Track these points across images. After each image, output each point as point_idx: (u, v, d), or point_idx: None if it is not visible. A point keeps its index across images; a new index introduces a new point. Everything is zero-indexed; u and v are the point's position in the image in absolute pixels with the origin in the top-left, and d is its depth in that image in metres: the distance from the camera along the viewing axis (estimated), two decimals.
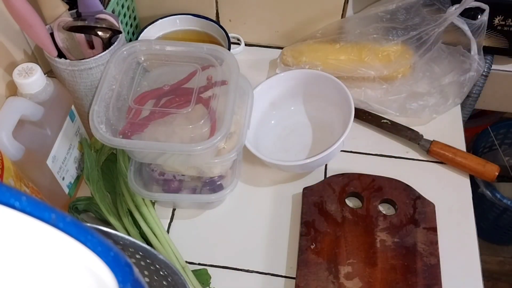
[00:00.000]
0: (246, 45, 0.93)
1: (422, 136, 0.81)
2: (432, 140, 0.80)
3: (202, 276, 0.67)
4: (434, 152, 0.79)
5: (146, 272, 0.43)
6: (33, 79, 0.60)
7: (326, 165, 0.79)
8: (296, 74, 0.82)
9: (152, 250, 0.39)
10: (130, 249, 0.39)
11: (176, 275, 0.41)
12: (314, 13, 0.87)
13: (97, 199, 0.70)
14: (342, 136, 0.71)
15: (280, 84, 0.82)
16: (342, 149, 0.80)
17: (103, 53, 0.67)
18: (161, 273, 0.42)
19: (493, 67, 0.87)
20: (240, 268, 0.69)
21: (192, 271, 0.67)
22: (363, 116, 0.84)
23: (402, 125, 0.83)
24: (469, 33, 0.79)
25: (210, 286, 0.67)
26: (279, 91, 0.82)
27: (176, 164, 0.68)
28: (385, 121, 0.83)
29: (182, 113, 0.63)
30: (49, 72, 0.71)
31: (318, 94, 0.81)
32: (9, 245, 0.21)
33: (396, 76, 0.84)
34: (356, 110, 0.80)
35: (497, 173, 0.77)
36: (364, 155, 0.81)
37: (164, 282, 0.43)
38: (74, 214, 0.71)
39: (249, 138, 0.73)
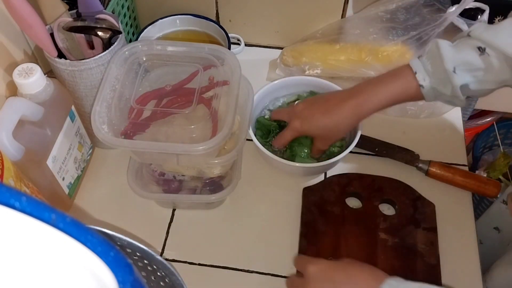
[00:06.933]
0: (246, 45, 0.93)
1: (418, 156, 0.78)
2: (429, 160, 0.76)
3: None
4: (433, 174, 0.75)
5: (143, 273, 0.43)
6: (33, 79, 0.60)
7: None
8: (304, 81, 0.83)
9: (150, 250, 0.39)
10: (128, 250, 0.39)
11: (173, 276, 0.41)
12: (314, 13, 0.87)
13: None
14: (348, 149, 0.72)
15: (286, 85, 0.83)
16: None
17: (103, 53, 0.67)
18: (158, 274, 0.42)
19: None
20: (240, 268, 0.69)
21: None
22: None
23: (397, 147, 0.79)
24: None
25: None
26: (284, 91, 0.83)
27: (177, 164, 0.68)
28: (378, 149, 0.79)
29: (184, 113, 0.63)
30: (49, 72, 0.71)
31: None
32: (9, 245, 0.21)
33: None
34: None
35: (498, 190, 0.74)
36: (364, 155, 0.81)
37: (162, 283, 0.43)
38: None
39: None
